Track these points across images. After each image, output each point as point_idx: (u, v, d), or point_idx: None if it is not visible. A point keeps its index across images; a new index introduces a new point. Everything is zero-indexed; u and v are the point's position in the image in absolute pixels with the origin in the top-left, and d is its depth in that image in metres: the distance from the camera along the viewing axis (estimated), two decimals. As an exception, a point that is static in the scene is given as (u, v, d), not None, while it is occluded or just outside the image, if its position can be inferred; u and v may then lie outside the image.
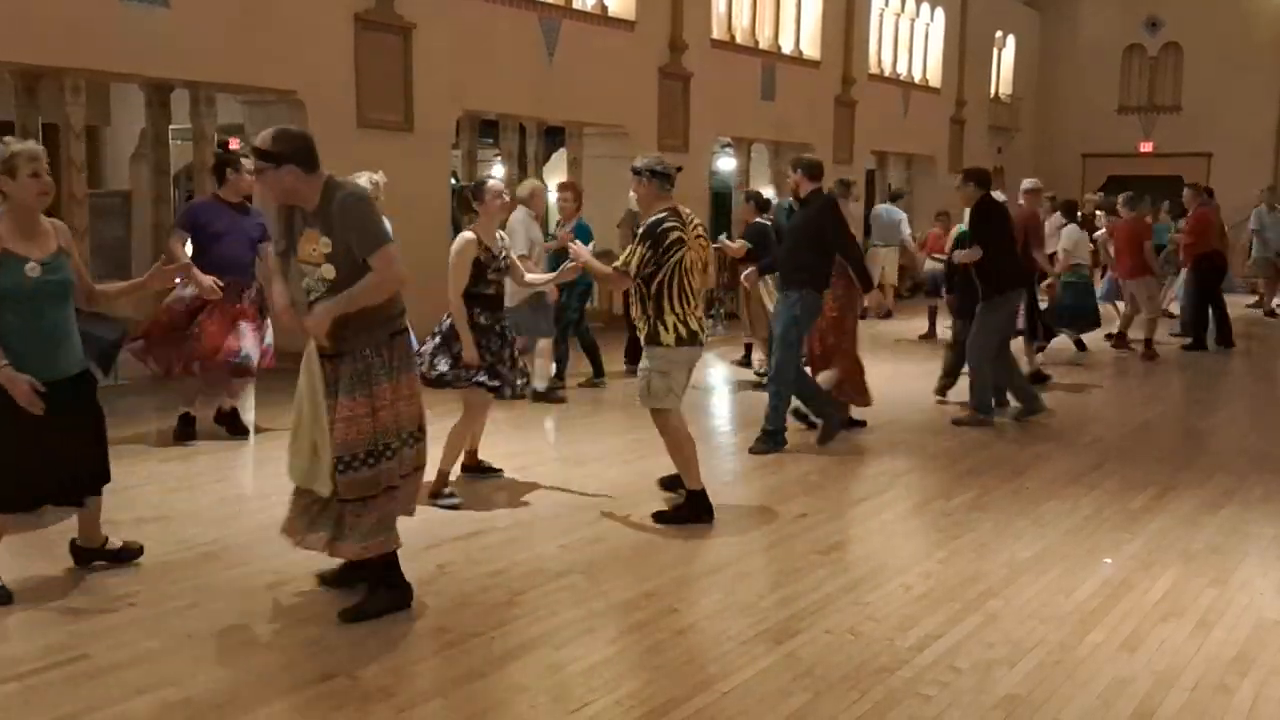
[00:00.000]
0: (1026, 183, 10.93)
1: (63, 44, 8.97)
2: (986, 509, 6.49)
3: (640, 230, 6.09)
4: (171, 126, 11.05)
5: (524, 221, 9.22)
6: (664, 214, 6.04)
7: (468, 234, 6.44)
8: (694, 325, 6.09)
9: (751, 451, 7.84)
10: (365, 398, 4.49)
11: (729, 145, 18.45)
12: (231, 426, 7.99)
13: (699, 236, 6.21)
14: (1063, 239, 12.60)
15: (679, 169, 6.27)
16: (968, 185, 8.94)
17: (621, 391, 9.77)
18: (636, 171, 6.15)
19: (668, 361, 6.09)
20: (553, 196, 11.28)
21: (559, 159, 16.49)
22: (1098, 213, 17.01)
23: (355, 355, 4.51)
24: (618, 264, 6.24)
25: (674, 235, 5.99)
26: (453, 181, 14.02)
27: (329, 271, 4.48)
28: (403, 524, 5.93)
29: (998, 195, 9.40)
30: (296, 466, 4.73)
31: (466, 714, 3.87)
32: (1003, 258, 8.80)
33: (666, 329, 6.05)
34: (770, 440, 7.90)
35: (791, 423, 8.19)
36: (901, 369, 11.60)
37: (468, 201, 6.65)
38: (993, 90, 26.13)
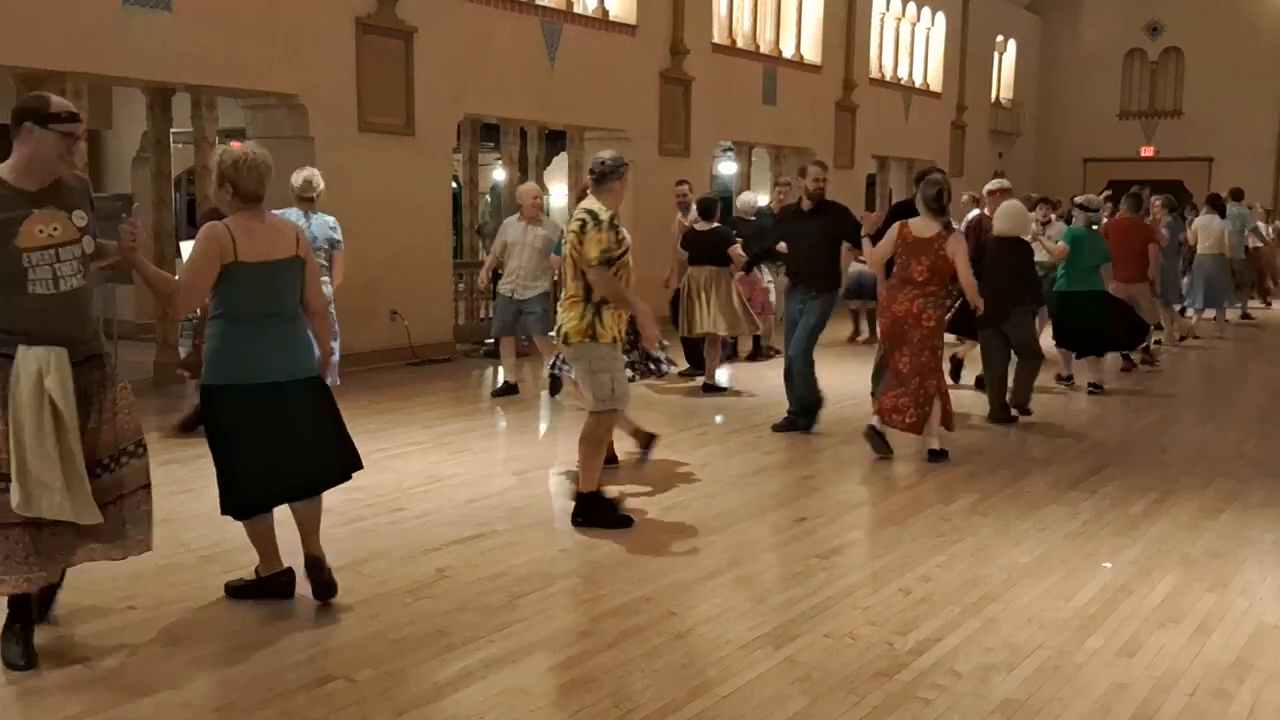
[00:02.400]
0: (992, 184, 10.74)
1: (65, 48, 8.98)
2: (986, 513, 6.49)
3: (595, 221, 5.82)
4: (173, 130, 11.05)
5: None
6: (613, 212, 5.91)
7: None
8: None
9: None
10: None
11: (730, 149, 18.48)
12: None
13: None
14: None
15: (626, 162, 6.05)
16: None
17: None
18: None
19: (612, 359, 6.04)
20: (559, 199, 11.32)
21: (560, 163, 16.51)
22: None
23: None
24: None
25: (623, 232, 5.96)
26: (453, 185, 14.04)
27: (89, 245, 4.21)
28: (402, 527, 5.98)
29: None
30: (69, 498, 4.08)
31: (465, 717, 3.87)
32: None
33: (604, 325, 5.91)
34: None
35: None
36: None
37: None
38: (994, 95, 26.17)
